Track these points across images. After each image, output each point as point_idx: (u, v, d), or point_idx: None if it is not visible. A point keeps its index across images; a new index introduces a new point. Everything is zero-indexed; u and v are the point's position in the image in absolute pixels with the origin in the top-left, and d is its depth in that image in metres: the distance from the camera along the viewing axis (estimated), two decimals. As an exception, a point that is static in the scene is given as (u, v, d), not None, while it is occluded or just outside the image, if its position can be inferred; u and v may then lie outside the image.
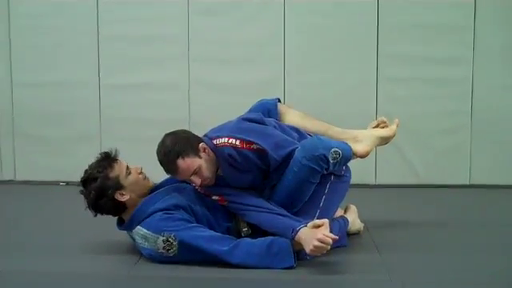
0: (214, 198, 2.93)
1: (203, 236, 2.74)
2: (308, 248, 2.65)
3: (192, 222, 2.81)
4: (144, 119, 4.80)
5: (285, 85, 4.74)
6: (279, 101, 3.24)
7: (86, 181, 2.84)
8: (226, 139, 2.83)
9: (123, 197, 2.85)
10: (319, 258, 2.79)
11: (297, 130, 3.09)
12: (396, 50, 4.70)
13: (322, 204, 2.97)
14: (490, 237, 3.33)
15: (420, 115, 4.72)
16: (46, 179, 4.91)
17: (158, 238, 2.74)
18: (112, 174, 2.83)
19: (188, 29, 4.78)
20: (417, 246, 3.15)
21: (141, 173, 2.93)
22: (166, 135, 2.88)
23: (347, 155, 2.95)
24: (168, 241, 2.73)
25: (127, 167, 2.88)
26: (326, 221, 2.72)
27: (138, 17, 4.82)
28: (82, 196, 2.86)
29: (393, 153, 4.72)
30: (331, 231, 2.72)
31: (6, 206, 4.28)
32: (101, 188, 2.81)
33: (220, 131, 2.92)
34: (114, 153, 2.92)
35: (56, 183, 4.90)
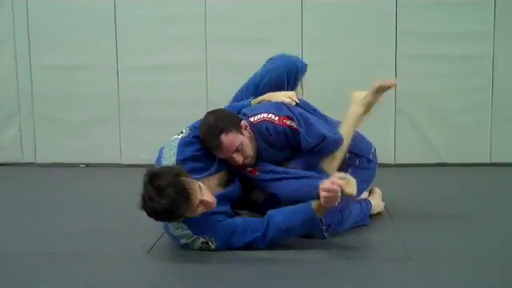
0: (247, 169, 2.91)
1: (238, 230, 2.72)
2: (323, 205, 2.63)
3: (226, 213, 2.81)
4: (162, 100, 4.82)
5: (303, 64, 4.71)
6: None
7: (158, 191, 2.49)
8: (266, 114, 2.86)
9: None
10: (339, 238, 2.80)
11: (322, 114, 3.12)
12: (414, 27, 4.64)
13: None
14: (512, 215, 3.31)
15: (439, 93, 4.67)
16: (66, 161, 4.96)
17: (198, 238, 2.72)
18: (181, 210, 2.52)
19: (205, 9, 4.76)
20: (436, 224, 3.14)
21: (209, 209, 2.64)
22: (208, 113, 2.87)
23: None
24: (207, 243, 2.72)
25: (201, 201, 2.57)
26: (341, 174, 2.68)
27: (154, -2, 4.82)
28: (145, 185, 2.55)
29: (412, 131, 4.70)
30: (351, 210, 2.75)
31: (26, 187, 4.33)
32: (162, 216, 2.56)
33: (257, 109, 2.93)
34: (187, 180, 2.55)
35: (76, 165, 4.94)
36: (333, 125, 3.07)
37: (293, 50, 4.66)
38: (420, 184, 4.17)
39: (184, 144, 2.83)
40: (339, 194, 2.60)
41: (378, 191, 3.38)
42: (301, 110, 2.95)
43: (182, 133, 2.89)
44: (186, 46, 4.80)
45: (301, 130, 2.83)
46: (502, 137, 4.68)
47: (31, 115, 4.99)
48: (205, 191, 2.60)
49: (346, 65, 4.68)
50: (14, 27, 4.91)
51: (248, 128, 2.85)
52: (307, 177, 2.80)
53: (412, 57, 4.66)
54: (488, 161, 4.71)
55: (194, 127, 2.91)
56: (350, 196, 2.65)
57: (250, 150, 2.84)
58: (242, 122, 2.84)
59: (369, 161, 3.12)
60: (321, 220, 2.75)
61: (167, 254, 2.75)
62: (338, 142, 2.94)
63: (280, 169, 2.88)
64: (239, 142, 2.78)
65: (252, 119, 2.86)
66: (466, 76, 4.66)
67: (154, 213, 2.52)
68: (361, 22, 4.68)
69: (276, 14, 4.72)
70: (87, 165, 4.92)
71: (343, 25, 4.70)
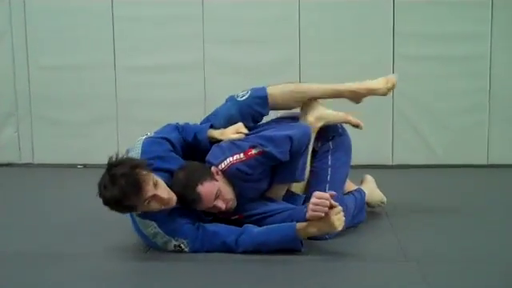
0: (232, 218, 2.91)
1: (210, 232, 2.74)
2: (308, 215, 2.63)
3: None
4: (160, 100, 4.81)
5: (300, 64, 4.71)
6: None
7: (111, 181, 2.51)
8: (231, 158, 2.82)
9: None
10: (335, 239, 2.80)
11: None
12: (412, 27, 4.65)
13: (329, 178, 2.99)
14: (509, 217, 3.30)
15: (437, 94, 4.67)
16: (63, 162, 4.95)
17: (171, 240, 2.72)
18: (130, 202, 2.53)
19: (203, 9, 4.76)
20: (434, 225, 3.13)
21: (164, 204, 2.63)
22: (177, 172, 2.78)
23: None
24: (180, 246, 2.72)
25: (152, 196, 2.56)
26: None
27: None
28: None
29: (410, 132, 4.70)
30: (346, 204, 2.79)
31: (24, 188, 4.33)
32: (113, 205, 2.57)
33: (221, 155, 2.87)
34: (141, 173, 2.54)
35: (73, 166, 4.94)
36: (288, 122, 3.09)
37: (291, 50, 4.71)
38: (418, 185, 4.17)
39: (149, 143, 2.82)
40: (327, 207, 2.58)
41: (369, 178, 3.36)
42: (253, 135, 2.92)
43: (146, 135, 2.89)
44: (184, 46, 4.80)
45: (268, 149, 2.79)
46: (500, 138, 4.68)
47: (29, 115, 4.99)
48: (160, 187, 2.59)
49: (343, 65, 4.66)
50: (11, 26, 4.90)
51: (220, 173, 2.82)
52: (286, 209, 2.85)
53: (410, 57, 4.66)
54: (486, 162, 4.71)
55: (160, 131, 2.93)
56: (333, 226, 2.62)
57: (228, 193, 2.82)
58: (213, 168, 2.81)
59: (340, 135, 3.12)
60: (301, 242, 2.71)
61: (164, 254, 2.74)
62: (305, 132, 2.91)
63: (259, 209, 2.89)
64: (217, 189, 2.76)
65: (220, 167, 2.82)
66: (463, 77, 4.66)
67: (106, 201, 2.54)
68: (359, 22, 4.68)
69: (273, 14, 4.72)
70: (85, 165, 4.92)
71: (341, 25, 4.70)
